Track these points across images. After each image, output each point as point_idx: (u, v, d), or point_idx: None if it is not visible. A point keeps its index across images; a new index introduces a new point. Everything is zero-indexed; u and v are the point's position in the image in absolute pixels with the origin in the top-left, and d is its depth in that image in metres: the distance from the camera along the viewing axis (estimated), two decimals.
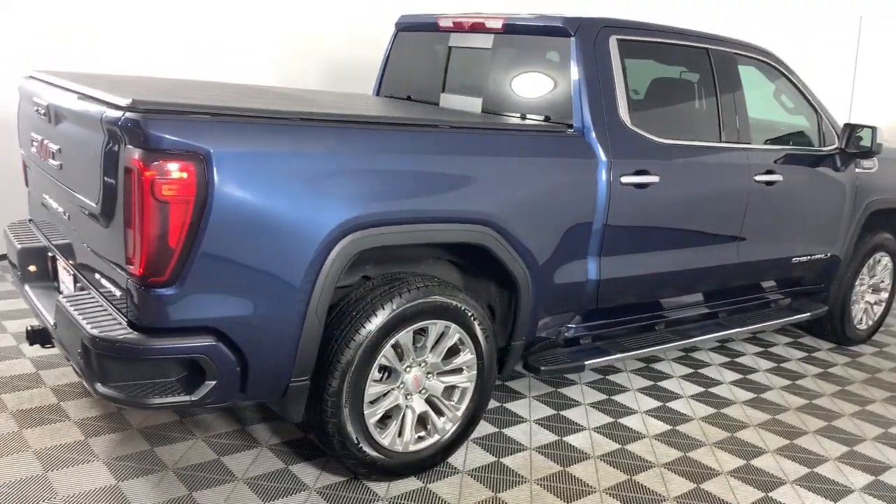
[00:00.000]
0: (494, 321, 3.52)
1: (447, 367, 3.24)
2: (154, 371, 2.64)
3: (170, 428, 3.47)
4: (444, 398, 3.28)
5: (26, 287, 3.38)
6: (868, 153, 4.72)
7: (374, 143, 2.88)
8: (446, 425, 3.28)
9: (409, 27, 4.54)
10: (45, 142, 3.11)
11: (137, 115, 2.44)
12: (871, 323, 5.46)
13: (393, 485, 3.20)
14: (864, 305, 5.38)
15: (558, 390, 4.24)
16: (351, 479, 3.20)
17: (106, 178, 2.61)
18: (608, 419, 3.95)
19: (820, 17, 7.84)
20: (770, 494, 3.38)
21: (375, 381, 3.05)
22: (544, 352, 3.74)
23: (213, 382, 2.64)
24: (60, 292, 3.31)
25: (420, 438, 3.24)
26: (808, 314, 4.91)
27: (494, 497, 3.18)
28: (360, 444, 3.02)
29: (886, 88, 7.73)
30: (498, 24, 3.91)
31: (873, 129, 4.63)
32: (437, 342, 3.19)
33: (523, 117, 3.78)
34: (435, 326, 3.14)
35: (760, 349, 5.19)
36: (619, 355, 3.88)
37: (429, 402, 3.24)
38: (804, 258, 4.73)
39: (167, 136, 2.44)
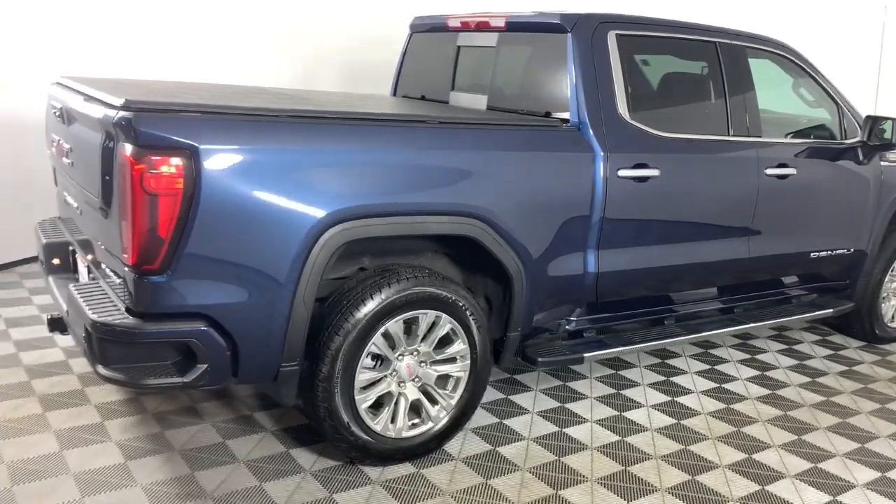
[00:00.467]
0: (491, 313, 3.60)
1: (439, 357, 3.34)
2: (150, 354, 2.82)
3: (182, 413, 3.66)
4: (439, 387, 3.37)
5: (50, 279, 3.61)
6: (890, 145, 4.61)
7: (356, 138, 2.99)
8: (440, 413, 3.37)
9: (422, 28, 4.66)
10: (61, 142, 3.35)
11: (130, 114, 2.62)
12: None
13: (387, 469, 3.30)
14: None
15: (567, 384, 4.28)
16: (346, 463, 3.32)
17: (105, 173, 2.80)
18: (613, 412, 3.97)
19: (843, 5, 7.59)
20: (766, 487, 3.36)
21: (367, 368, 3.17)
22: (544, 344, 3.79)
23: (205, 366, 2.80)
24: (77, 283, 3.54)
25: (414, 425, 3.34)
26: (832, 310, 4.82)
27: (484, 483, 3.25)
28: (352, 429, 3.14)
29: None
30: (501, 23, 4.00)
31: (895, 120, 4.53)
32: (429, 332, 3.28)
33: (525, 113, 3.85)
34: (425, 316, 3.24)
35: (784, 346, 5.11)
36: (620, 348, 3.90)
37: (423, 390, 3.34)
38: (824, 253, 4.65)
39: (157, 132, 2.61)
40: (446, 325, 3.29)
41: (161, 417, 3.61)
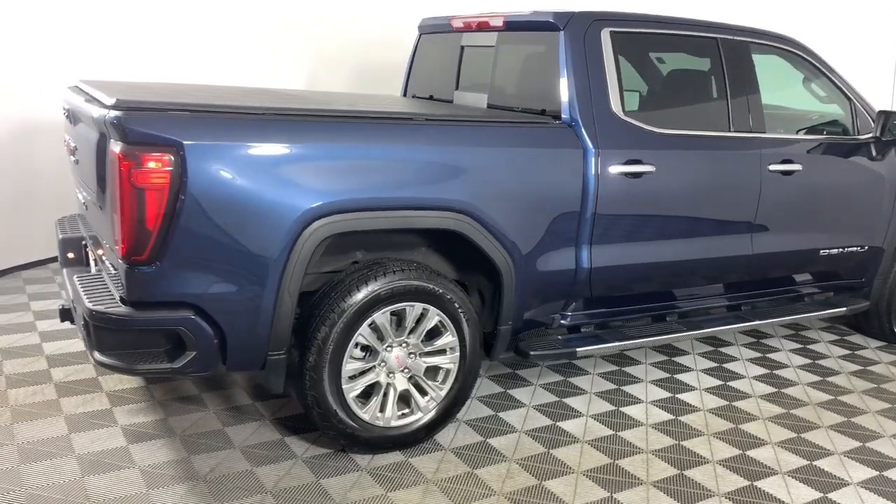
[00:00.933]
0: (483, 306, 3.66)
1: (429, 349, 3.41)
2: (142, 341, 2.97)
3: (187, 401, 3.82)
4: (429, 378, 3.45)
5: (64, 271, 3.81)
6: None
7: (339, 135, 3.09)
8: (429, 404, 3.45)
9: (429, 30, 4.76)
10: (70, 141, 3.53)
11: (119, 113, 2.77)
12: None
13: (376, 457, 3.39)
14: None
15: (568, 379, 4.31)
16: (338, 451, 3.43)
17: (99, 169, 2.96)
18: (610, 407, 3.99)
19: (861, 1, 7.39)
20: (756, 483, 3.34)
21: (355, 358, 3.27)
22: (539, 338, 3.84)
23: (193, 353, 2.94)
24: None
25: (403, 415, 3.42)
26: (845, 309, 4.74)
27: (469, 472, 3.32)
28: (340, 416, 3.24)
29: None
30: (500, 23, 4.06)
31: None
32: (417, 324, 3.36)
33: (522, 111, 3.90)
34: (412, 309, 3.32)
35: (799, 346, 5.04)
36: (616, 343, 3.92)
37: (413, 381, 3.42)
38: (835, 251, 4.58)
39: (144, 130, 2.75)
40: (434, 317, 3.37)
41: (166, 405, 3.77)
